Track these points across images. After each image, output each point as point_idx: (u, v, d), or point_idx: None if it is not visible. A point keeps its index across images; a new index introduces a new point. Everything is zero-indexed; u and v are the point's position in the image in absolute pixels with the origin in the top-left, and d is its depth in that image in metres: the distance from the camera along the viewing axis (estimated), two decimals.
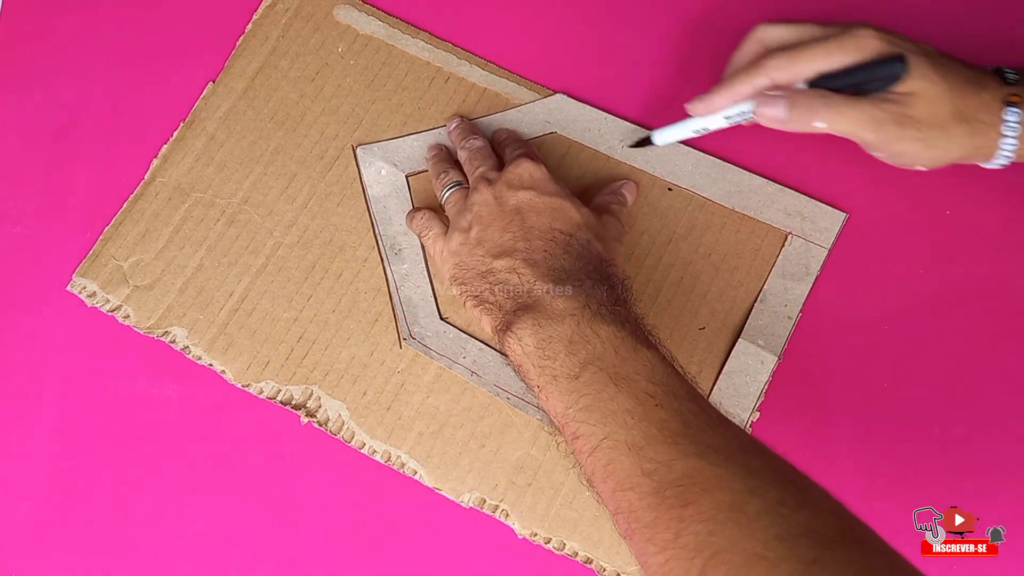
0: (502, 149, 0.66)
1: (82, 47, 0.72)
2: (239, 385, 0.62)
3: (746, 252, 0.64)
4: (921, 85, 0.56)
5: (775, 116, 0.57)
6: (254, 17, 0.72)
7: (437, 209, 0.65)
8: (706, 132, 0.62)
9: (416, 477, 0.60)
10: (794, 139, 0.67)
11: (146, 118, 0.69)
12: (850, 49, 0.56)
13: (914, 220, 0.65)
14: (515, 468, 0.60)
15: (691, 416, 0.47)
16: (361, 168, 0.68)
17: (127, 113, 0.70)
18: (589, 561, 0.58)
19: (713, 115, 0.61)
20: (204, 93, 0.70)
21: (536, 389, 0.52)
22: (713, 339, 0.62)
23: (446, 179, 0.64)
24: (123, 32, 0.72)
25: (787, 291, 0.63)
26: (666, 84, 0.70)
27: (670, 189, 0.66)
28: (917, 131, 0.56)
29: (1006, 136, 0.57)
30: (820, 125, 0.57)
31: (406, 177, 0.67)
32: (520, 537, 0.59)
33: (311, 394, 0.62)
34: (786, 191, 0.65)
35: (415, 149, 0.68)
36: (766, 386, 0.61)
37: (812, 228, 0.64)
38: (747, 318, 0.63)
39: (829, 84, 0.57)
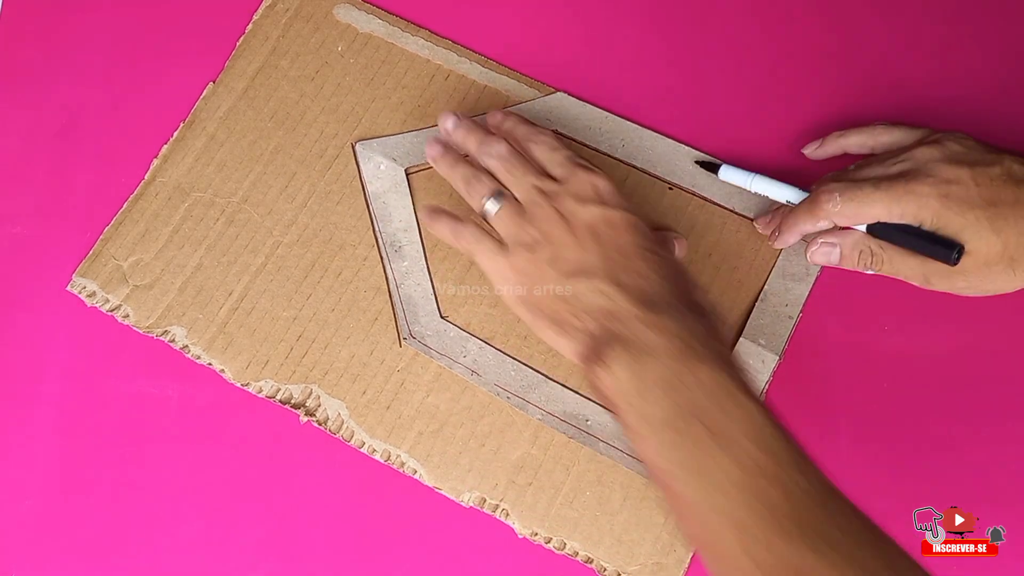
0: (515, 141, 0.62)
1: (82, 47, 0.72)
2: (238, 384, 0.62)
3: (746, 252, 0.64)
4: (974, 245, 0.56)
5: (829, 263, 0.61)
6: (254, 17, 0.72)
7: (462, 216, 0.60)
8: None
9: (416, 476, 0.60)
10: (794, 137, 0.67)
11: (146, 118, 0.69)
12: (909, 207, 0.56)
13: None
14: (515, 467, 0.60)
15: (801, 494, 0.45)
16: (360, 164, 0.67)
17: (127, 113, 0.70)
18: (589, 561, 0.58)
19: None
20: (204, 93, 0.70)
21: (626, 427, 0.50)
22: None
23: (483, 188, 0.59)
24: (123, 32, 0.72)
25: (788, 291, 0.63)
26: (667, 82, 0.70)
27: (670, 188, 0.66)
28: (967, 283, 0.57)
29: None
30: (870, 272, 0.60)
31: (406, 172, 0.67)
32: (520, 537, 0.59)
33: (310, 393, 0.62)
34: (786, 189, 0.65)
35: (415, 145, 0.68)
36: (767, 385, 0.61)
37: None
38: (748, 317, 0.63)
39: (884, 233, 0.58)
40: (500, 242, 0.58)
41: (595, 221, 0.55)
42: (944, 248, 0.56)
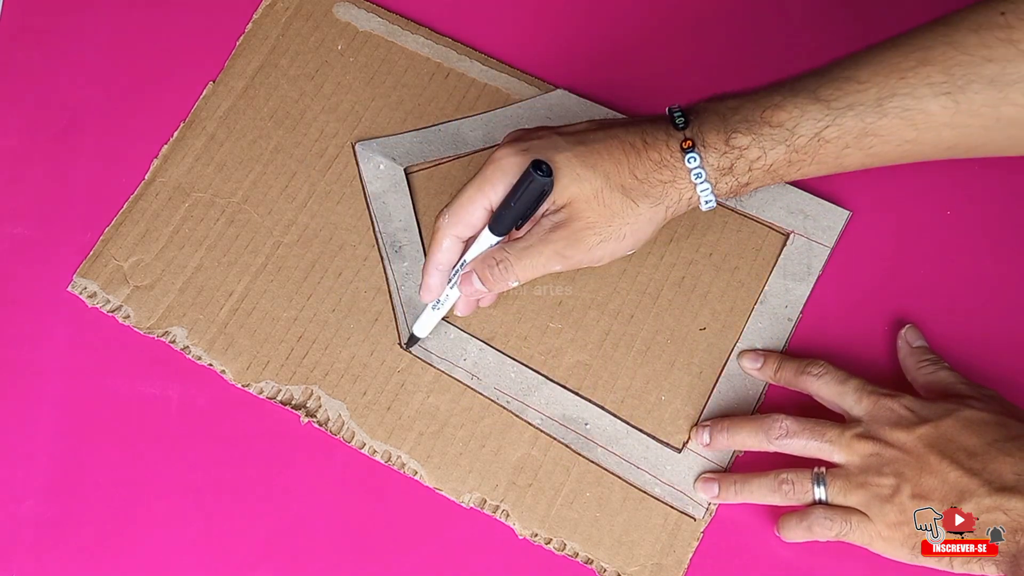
0: (790, 384, 0.60)
1: (82, 47, 0.72)
2: (239, 385, 0.62)
3: (747, 251, 0.64)
4: (573, 189, 0.53)
5: (478, 291, 0.57)
6: (254, 16, 0.72)
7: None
8: (451, 305, 0.60)
9: (416, 477, 0.60)
10: None
11: (146, 118, 0.69)
12: (497, 176, 0.53)
13: (916, 220, 0.65)
14: (515, 468, 0.60)
15: None
16: (360, 164, 0.67)
17: (127, 113, 0.70)
18: (590, 562, 0.58)
19: (442, 296, 0.59)
20: (204, 93, 0.70)
21: None
22: (714, 340, 0.62)
23: (800, 485, 0.56)
24: (123, 32, 0.72)
25: (788, 292, 0.63)
26: (668, 79, 0.70)
27: None
28: (596, 234, 0.54)
29: (699, 184, 0.53)
30: (514, 284, 0.56)
31: (405, 172, 0.67)
32: (521, 538, 0.59)
33: (311, 394, 0.62)
34: (788, 188, 0.65)
35: (415, 144, 0.68)
36: (766, 388, 0.61)
37: (815, 226, 0.64)
38: (748, 319, 0.62)
39: (503, 225, 0.54)
40: (853, 511, 0.54)
41: (927, 438, 0.53)
42: (531, 180, 0.51)
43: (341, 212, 0.66)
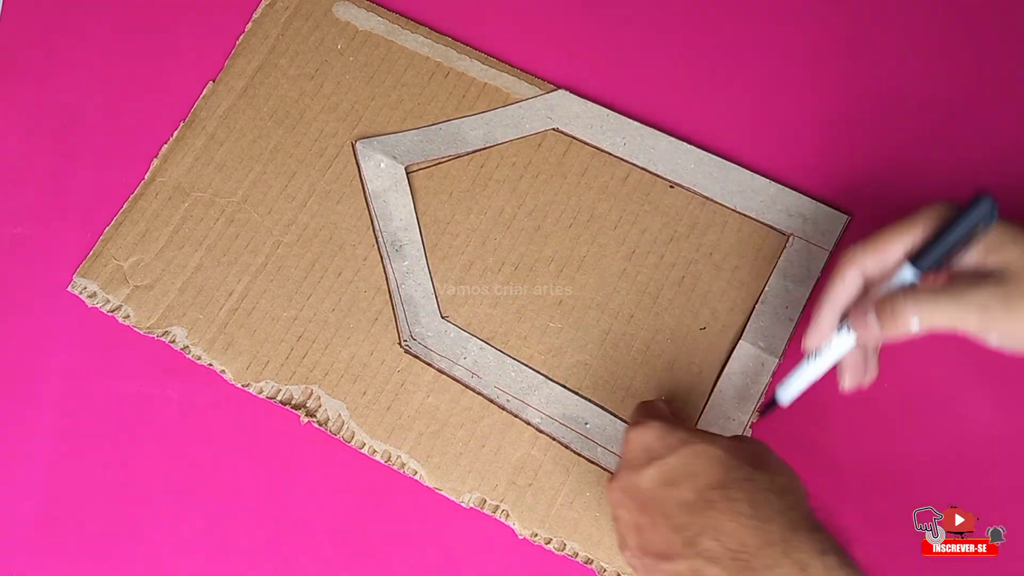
0: None
1: (82, 47, 0.72)
2: (239, 385, 0.62)
3: (748, 252, 0.64)
4: (1011, 251, 0.48)
5: (871, 334, 0.51)
6: (254, 16, 0.72)
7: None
8: (830, 361, 0.55)
9: (416, 477, 0.60)
10: (796, 137, 0.67)
11: (146, 118, 0.69)
12: (926, 218, 0.50)
13: None
14: (515, 468, 0.60)
15: None
16: (360, 162, 0.67)
17: (127, 113, 0.70)
18: (590, 562, 0.58)
19: (827, 348, 0.54)
20: (204, 93, 0.70)
21: None
22: (714, 340, 0.62)
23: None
24: (123, 32, 0.72)
25: (788, 292, 0.63)
26: (668, 80, 0.70)
27: (671, 187, 0.66)
28: None
29: None
30: (915, 325, 0.49)
31: (406, 170, 0.67)
32: (520, 538, 0.59)
33: (311, 394, 0.62)
34: (788, 191, 0.65)
35: (415, 143, 0.68)
36: (766, 388, 0.61)
37: (814, 230, 0.64)
38: (748, 319, 0.62)
39: (928, 259, 0.50)
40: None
41: (651, 486, 0.49)
42: (973, 209, 0.47)
43: (341, 211, 0.66)
